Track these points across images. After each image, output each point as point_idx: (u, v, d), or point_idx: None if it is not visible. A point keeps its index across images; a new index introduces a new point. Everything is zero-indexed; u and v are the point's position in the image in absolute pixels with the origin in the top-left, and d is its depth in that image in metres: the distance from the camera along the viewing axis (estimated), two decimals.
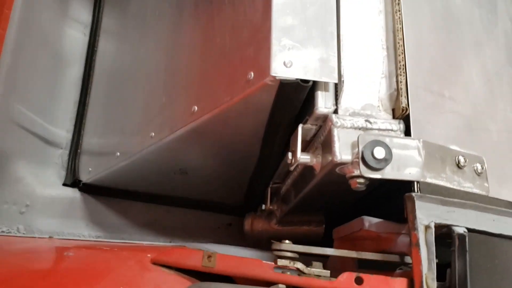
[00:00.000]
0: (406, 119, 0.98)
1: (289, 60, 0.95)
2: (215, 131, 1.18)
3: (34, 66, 1.77)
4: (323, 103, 0.98)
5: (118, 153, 1.49)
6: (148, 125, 1.36)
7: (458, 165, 0.97)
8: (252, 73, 0.99)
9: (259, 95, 1.00)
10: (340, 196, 1.23)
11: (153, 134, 1.31)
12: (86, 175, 1.72)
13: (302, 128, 1.04)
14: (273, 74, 0.93)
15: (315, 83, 0.97)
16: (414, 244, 0.84)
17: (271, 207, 1.47)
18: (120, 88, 1.72)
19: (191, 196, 1.72)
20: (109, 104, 1.78)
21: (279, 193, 1.45)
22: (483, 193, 0.98)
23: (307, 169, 1.12)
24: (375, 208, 1.18)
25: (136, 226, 1.73)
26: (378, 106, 1.00)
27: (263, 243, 1.53)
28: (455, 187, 0.94)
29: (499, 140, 1.12)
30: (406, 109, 0.97)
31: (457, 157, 0.97)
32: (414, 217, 0.85)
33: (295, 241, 1.49)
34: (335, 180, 1.01)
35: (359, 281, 0.87)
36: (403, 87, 0.98)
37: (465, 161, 0.97)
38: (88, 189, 1.73)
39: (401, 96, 0.97)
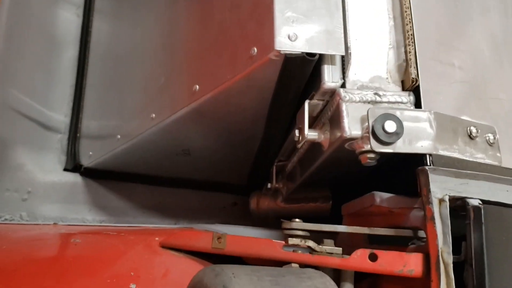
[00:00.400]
0: (415, 91, 0.95)
1: (294, 33, 0.91)
2: (218, 110, 1.16)
3: (27, 50, 1.73)
4: (330, 77, 0.95)
5: (119, 136, 1.47)
6: (148, 106, 1.33)
7: (470, 136, 0.94)
8: (255, 49, 0.95)
9: (263, 72, 0.97)
10: (348, 172, 1.21)
11: (153, 115, 1.28)
12: (87, 159, 1.69)
13: (309, 104, 1.01)
14: (278, 49, 0.90)
15: (321, 56, 0.94)
16: (429, 218, 0.82)
17: (276, 185, 1.46)
18: (117, 69, 1.69)
19: (195, 177, 1.70)
20: (107, 86, 1.74)
21: (284, 171, 1.42)
22: (496, 163, 0.96)
23: (314, 146, 1.10)
24: (385, 183, 1.16)
25: (140, 209, 1.71)
26: (387, 78, 0.97)
27: (269, 221, 1.52)
28: (467, 159, 0.92)
29: (510, 109, 1.09)
30: (416, 80, 0.94)
31: (469, 128, 0.95)
32: (428, 190, 0.83)
33: (302, 218, 1.48)
34: (344, 156, 0.99)
35: (373, 257, 0.86)
36: (412, 57, 0.95)
37: (477, 132, 0.95)
38: (89, 173, 1.71)
39: (410, 67, 0.94)
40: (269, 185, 1.48)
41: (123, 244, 0.96)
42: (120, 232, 1.06)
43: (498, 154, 0.97)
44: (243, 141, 1.35)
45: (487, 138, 0.96)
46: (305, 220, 1.05)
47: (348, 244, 1.12)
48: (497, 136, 0.97)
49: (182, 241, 0.96)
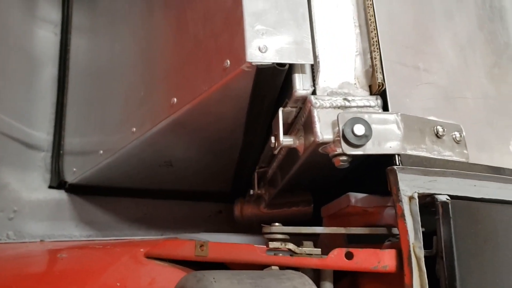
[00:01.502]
0: (383, 95, 0.99)
1: (264, 45, 0.95)
2: (197, 121, 1.19)
3: (6, 70, 1.75)
4: (301, 85, 0.99)
5: (101, 151, 1.49)
6: (129, 120, 1.36)
7: (437, 135, 0.99)
8: (228, 61, 0.99)
9: (237, 82, 1.00)
10: (326, 175, 1.25)
11: (134, 129, 1.31)
12: (71, 176, 1.71)
13: (283, 111, 1.04)
14: (249, 60, 0.94)
15: (291, 66, 0.98)
16: (399, 216, 0.86)
17: (259, 192, 1.49)
18: (97, 85, 1.71)
19: (179, 188, 1.73)
20: (88, 103, 1.76)
21: (265, 177, 1.46)
22: (463, 160, 1.00)
23: (291, 151, 1.14)
24: (362, 183, 1.20)
25: (126, 222, 1.73)
26: (355, 84, 1.01)
27: (254, 227, 1.55)
28: (435, 157, 0.96)
29: (475, 107, 1.14)
30: (382, 85, 0.98)
31: (435, 127, 0.99)
32: (398, 189, 0.87)
33: (285, 223, 1.51)
34: (319, 159, 1.03)
35: (349, 256, 0.89)
36: (378, 63, 0.99)
37: (444, 131, 0.99)
38: (74, 189, 1.73)
39: (377, 72, 0.98)
40: (251, 192, 1.51)
41: (109, 256, 0.98)
42: (106, 245, 1.08)
43: (465, 151, 1.01)
44: (224, 149, 1.39)
45: (454, 136, 1.01)
46: (289, 224, 1.09)
47: (328, 245, 1.15)
48: (464, 133, 1.02)
49: (166, 251, 0.99)
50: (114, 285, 0.87)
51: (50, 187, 1.75)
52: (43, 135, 1.86)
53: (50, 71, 1.95)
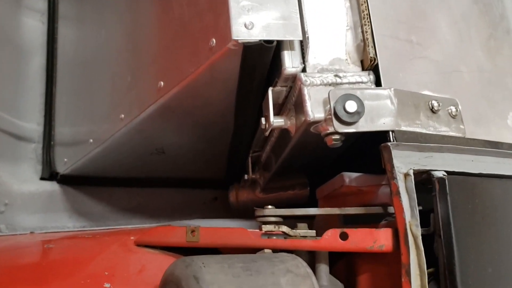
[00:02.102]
0: (375, 70, 0.96)
1: (250, 22, 0.91)
2: (185, 105, 1.16)
3: None
4: (290, 62, 0.95)
5: (91, 140, 1.46)
6: (117, 108, 1.33)
7: (432, 110, 0.96)
8: (214, 40, 0.96)
9: (224, 62, 0.97)
10: (320, 155, 1.22)
11: (122, 116, 1.28)
12: (62, 167, 1.68)
13: (272, 91, 1.01)
14: (235, 38, 0.90)
15: (279, 42, 0.95)
16: (394, 193, 0.83)
17: (253, 176, 1.46)
18: (86, 73, 1.68)
19: (173, 175, 1.70)
20: (77, 91, 1.73)
21: (260, 161, 1.43)
22: (460, 135, 0.97)
23: (284, 133, 1.11)
24: (357, 162, 1.18)
25: (120, 212, 1.71)
26: (346, 60, 0.98)
27: (250, 213, 1.53)
28: (431, 132, 0.93)
29: (471, 81, 1.11)
30: (375, 59, 0.95)
31: (430, 102, 0.96)
32: (392, 166, 0.84)
33: (282, 207, 1.48)
34: (312, 140, 1.00)
35: (344, 236, 0.87)
36: (369, 37, 0.96)
37: (439, 105, 0.96)
38: (66, 180, 1.70)
39: (368, 46, 0.95)
40: (246, 177, 1.48)
41: (98, 245, 0.96)
42: (96, 234, 1.06)
43: (461, 126, 0.98)
44: (215, 134, 1.36)
45: (450, 110, 0.98)
46: (285, 207, 1.06)
47: (324, 226, 1.13)
48: (459, 108, 0.99)
49: (157, 238, 0.96)
50: (102, 273, 0.85)
51: (42, 178, 1.73)
52: (33, 126, 1.83)
53: (38, 61, 1.91)
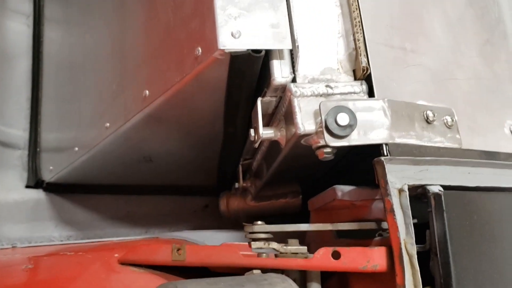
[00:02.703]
0: (368, 79, 0.92)
1: (237, 30, 0.87)
2: (172, 114, 1.12)
3: None
4: (279, 72, 0.91)
5: (77, 148, 1.42)
6: (102, 116, 1.28)
7: (427, 120, 0.92)
8: (200, 49, 0.92)
9: (211, 72, 0.93)
10: (312, 167, 1.18)
11: (108, 124, 1.24)
12: (48, 174, 1.64)
13: (262, 101, 0.97)
14: (222, 48, 0.86)
15: (268, 52, 0.91)
16: (388, 211, 0.80)
17: (244, 184, 1.42)
18: (72, 78, 1.63)
19: (162, 183, 1.66)
20: (63, 97, 1.68)
21: (251, 169, 1.39)
22: (456, 146, 0.94)
23: (274, 143, 1.07)
24: (352, 173, 1.14)
25: (108, 220, 1.66)
26: (338, 69, 0.94)
27: (241, 221, 1.49)
28: (426, 144, 0.90)
29: (467, 89, 1.07)
30: (367, 69, 0.91)
31: (425, 112, 0.92)
32: (386, 182, 0.80)
33: (274, 215, 1.45)
34: (303, 152, 0.96)
35: (336, 255, 0.83)
36: (361, 45, 0.92)
37: (434, 115, 0.93)
38: (52, 188, 1.65)
39: (360, 55, 0.91)
40: (236, 185, 1.45)
41: (79, 264, 0.91)
42: (79, 250, 1.01)
43: (457, 136, 0.94)
44: (205, 143, 1.32)
45: (445, 120, 0.94)
46: (277, 217, 1.02)
47: (316, 240, 1.09)
48: (455, 117, 0.95)
49: (142, 256, 0.92)
50: None
51: (28, 186, 1.68)
52: (19, 132, 1.78)
53: (24, 65, 1.86)
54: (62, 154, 1.56)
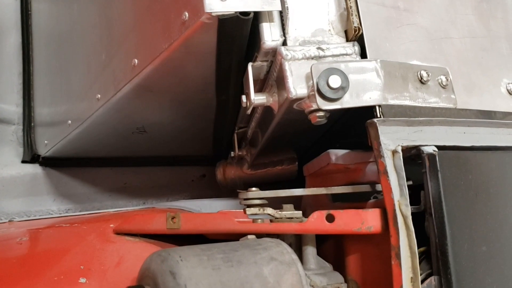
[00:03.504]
0: (360, 40, 0.90)
1: None
2: (162, 82, 1.09)
3: None
4: (269, 35, 0.89)
5: (70, 121, 1.41)
6: (93, 87, 1.27)
7: (421, 81, 0.90)
8: (187, 13, 0.89)
9: (199, 37, 0.91)
10: (307, 132, 1.17)
11: (99, 96, 1.22)
12: (43, 149, 1.63)
13: (253, 66, 0.95)
14: (209, 11, 0.83)
15: (257, 14, 0.88)
16: (382, 172, 0.79)
17: (240, 153, 1.42)
18: (62, 51, 1.60)
19: (158, 154, 1.65)
20: (54, 70, 1.66)
21: (246, 137, 1.38)
22: (451, 105, 0.92)
23: (267, 109, 1.05)
24: (346, 136, 1.13)
25: (106, 192, 1.66)
26: (329, 30, 0.91)
27: (238, 189, 1.49)
28: (420, 105, 0.88)
29: (462, 47, 1.05)
30: (359, 29, 0.88)
31: (419, 72, 0.90)
32: (379, 144, 0.79)
33: (271, 182, 1.44)
34: (296, 116, 0.95)
35: (330, 218, 0.83)
36: (353, 4, 0.89)
37: (428, 75, 0.91)
38: (48, 162, 1.65)
39: (352, 15, 0.88)
40: (232, 154, 1.44)
41: (75, 236, 0.91)
42: (75, 222, 1.01)
43: (452, 96, 0.93)
44: (198, 111, 1.30)
45: (440, 80, 0.92)
46: (273, 184, 1.02)
47: (312, 204, 1.09)
48: (450, 77, 0.94)
49: (137, 225, 0.92)
50: (78, 268, 0.81)
51: (24, 161, 1.67)
52: (12, 107, 1.77)
53: (13, 39, 1.83)
54: (56, 127, 1.55)
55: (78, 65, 1.43)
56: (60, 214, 1.59)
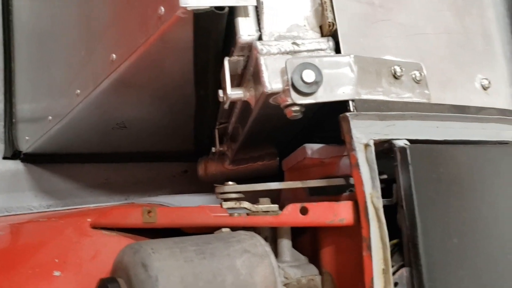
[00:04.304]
0: (335, 36, 0.91)
1: None
2: (140, 77, 1.10)
3: None
4: (244, 30, 0.90)
5: (50, 117, 1.40)
6: (73, 83, 1.26)
7: (395, 76, 0.92)
8: (163, 8, 0.89)
9: (175, 32, 0.91)
10: (285, 127, 1.18)
11: (78, 91, 1.22)
12: (25, 145, 1.62)
13: (229, 61, 0.96)
14: (184, 5, 0.84)
15: (232, 9, 0.89)
16: (354, 165, 0.80)
17: (221, 149, 1.42)
18: (42, 46, 1.59)
19: (139, 149, 1.65)
20: (36, 66, 1.65)
21: (227, 133, 1.39)
22: (424, 100, 0.93)
23: (246, 104, 1.06)
24: (322, 133, 1.14)
25: (87, 188, 1.66)
26: (305, 25, 0.92)
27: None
28: (393, 99, 0.90)
29: (438, 43, 1.06)
30: (333, 24, 0.89)
31: (392, 68, 0.92)
32: (351, 137, 0.80)
33: (252, 178, 1.45)
34: (274, 111, 0.95)
35: (304, 211, 0.84)
36: (327, 0, 0.90)
37: (402, 70, 0.92)
38: (30, 159, 1.64)
39: (326, 10, 0.89)
40: (213, 149, 1.44)
41: (51, 230, 0.91)
42: (52, 216, 1.01)
43: (426, 91, 0.94)
44: (178, 107, 1.30)
45: (413, 75, 0.94)
46: (255, 179, 1.02)
47: (290, 199, 1.10)
48: (424, 72, 0.95)
49: (113, 219, 0.92)
50: (52, 261, 0.81)
51: (5, 157, 1.66)
52: None
53: None
54: (37, 123, 1.54)
55: (59, 61, 1.43)
56: (41, 210, 1.59)
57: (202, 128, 1.42)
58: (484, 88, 1.08)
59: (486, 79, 1.08)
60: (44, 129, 1.45)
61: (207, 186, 1.59)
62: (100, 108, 1.24)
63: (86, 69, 1.20)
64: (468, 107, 1.01)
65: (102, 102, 1.20)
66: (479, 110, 1.02)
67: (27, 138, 1.60)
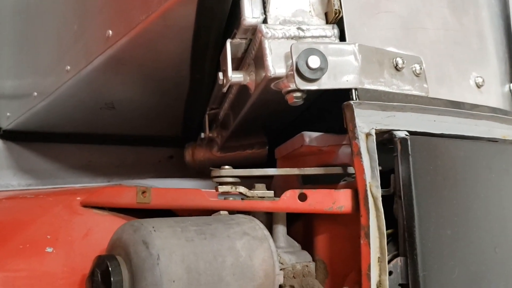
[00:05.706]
0: (340, 23, 0.90)
1: None
2: (136, 56, 1.07)
3: None
4: (250, 12, 0.88)
5: (35, 93, 1.36)
6: (63, 59, 1.23)
7: (396, 68, 0.92)
8: None
9: (178, 10, 0.89)
10: (280, 114, 1.18)
11: (69, 67, 1.18)
12: (5, 121, 1.57)
13: (231, 43, 0.94)
14: None
15: None
16: (355, 153, 0.80)
17: (210, 135, 1.41)
18: (28, 21, 1.54)
19: (125, 132, 1.62)
20: (20, 41, 1.60)
21: (217, 119, 1.37)
22: (423, 94, 0.94)
23: (243, 89, 1.05)
24: (318, 122, 1.14)
25: (69, 169, 1.62)
26: (310, 12, 0.91)
27: (207, 172, 1.48)
28: (394, 91, 0.90)
29: (436, 39, 1.07)
30: (339, 12, 0.89)
31: (394, 59, 0.92)
32: (354, 125, 0.80)
33: (240, 166, 1.44)
34: (272, 97, 0.95)
35: (303, 197, 0.84)
36: None
37: (403, 63, 0.92)
38: (10, 136, 1.59)
39: None
40: (202, 135, 1.43)
41: (40, 206, 0.89)
42: (39, 194, 0.98)
43: (425, 85, 0.95)
44: (170, 89, 1.28)
45: (414, 69, 0.94)
46: (243, 167, 1.01)
47: (282, 187, 1.10)
48: (424, 66, 0.96)
49: (105, 198, 0.90)
50: (44, 237, 0.79)
51: None
52: None
53: None
54: (20, 100, 1.50)
55: (48, 35, 1.38)
56: (20, 188, 1.54)
57: (192, 112, 1.40)
58: (478, 86, 1.10)
59: (480, 77, 1.10)
60: (28, 105, 1.40)
61: (192, 172, 1.58)
62: (91, 86, 1.21)
63: (78, 44, 1.17)
64: (463, 103, 1.02)
65: (93, 79, 1.17)
66: (473, 107, 1.04)
67: (8, 114, 1.55)
